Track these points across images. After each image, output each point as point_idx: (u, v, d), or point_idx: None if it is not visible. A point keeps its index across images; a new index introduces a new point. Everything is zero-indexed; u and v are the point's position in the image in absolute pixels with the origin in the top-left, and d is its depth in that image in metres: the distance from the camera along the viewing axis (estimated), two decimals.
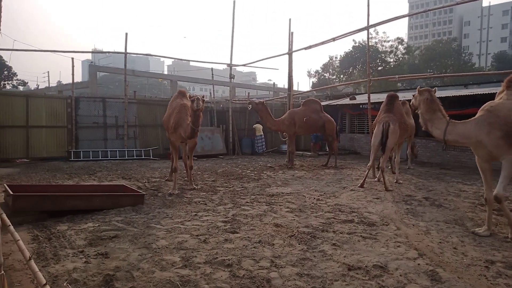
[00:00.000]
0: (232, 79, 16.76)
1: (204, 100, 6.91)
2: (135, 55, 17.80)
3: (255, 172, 10.07)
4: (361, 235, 4.52)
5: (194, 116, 6.89)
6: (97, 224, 4.82)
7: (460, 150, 12.07)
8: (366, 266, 3.54)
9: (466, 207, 6.14)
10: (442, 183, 8.47)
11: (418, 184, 8.29)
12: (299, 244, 4.17)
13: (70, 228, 4.67)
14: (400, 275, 3.34)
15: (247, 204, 6.21)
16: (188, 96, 7.22)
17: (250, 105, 11.16)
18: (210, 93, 18.51)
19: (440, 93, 13.35)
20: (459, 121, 4.70)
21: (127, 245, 4.05)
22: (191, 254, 3.79)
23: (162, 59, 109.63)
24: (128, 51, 14.40)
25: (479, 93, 10.87)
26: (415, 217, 5.49)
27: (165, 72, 67.24)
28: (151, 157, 13.58)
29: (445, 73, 43.28)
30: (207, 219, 5.19)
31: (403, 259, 3.76)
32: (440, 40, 56.49)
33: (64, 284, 3.05)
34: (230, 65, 15.92)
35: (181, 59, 22.11)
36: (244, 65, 18.28)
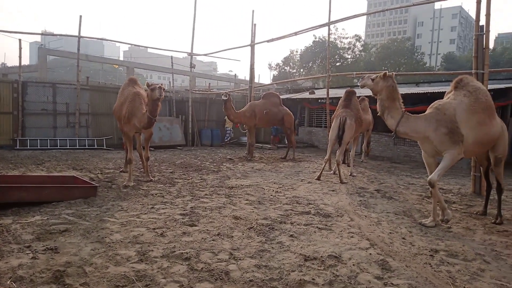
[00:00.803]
0: (193, 69, 16.45)
1: (164, 89, 6.70)
2: (88, 39, 16.85)
3: (215, 164, 10.01)
4: (317, 226, 4.65)
5: (153, 105, 6.62)
6: (46, 218, 4.55)
7: (409, 145, 12.76)
8: (321, 256, 3.65)
9: (414, 199, 6.53)
10: (392, 176, 8.92)
11: (371, 177, 8.67)
12: (257, 236, 4.21)
13: (15, 221, 4.37)
14: (353, 265, 3.49)
15: (206, 196, 6.17)
16: (146, 84, 6.84)
17: (225, 97, 11.01)
18: (169, 82, 18.03)
19: None
20: (412, 115, 4.87)
21: (79, 240, 3.87)
22: (147, 248, 3.70)
23: (117, 44, 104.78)
24: (81, 34, 13.61)
25: (429, 91, 11.53)
26: (367, 208, 5.74)
27: (121, 58, 64.53)
28: (105, 147, 13.03)
29: (399, 71, 45.41)
30: (165, 212, 5.08)
31: (356, 249, 3.92)
32: (395, 39, 58.94)
33: (8, 282, 2.86)
34: (191, 54, 15.59)
35: (138, 45, 21.32)
36: (205, 54, 17.96)
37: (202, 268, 3.27)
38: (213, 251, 3.68)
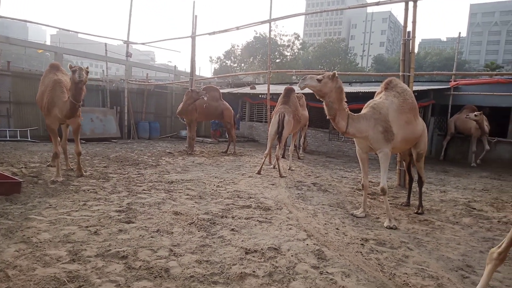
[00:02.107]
0: (129, 58, 15.68)
1: (88, 72, 6.08)
2: (10, 19, 15.21)
3: (153, 158, 9.69)
4: (257, 220, 4.74)
5: (75, 89, 5.97)
6: None
7: (343, 140, 13.51)
8: (261, 249, 3.74)
9: (346, 191, 6.94)
10: (327, 170, 9.39)
11: (308, 171, 9.04)
12: (198, 231, 4.18)
13: None
14: (292, 256, 3.62)
15: (144, 192, 5.95)
16: (69, 67, 6.14)
17: (204, 96, 10.72)
18: (103, 70, 16.99)
19: None
20: (355, 114, 4.94)
21: (0, 240, 3.51)
22: (80, 247, 3.48)
23: (43, 27, 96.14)
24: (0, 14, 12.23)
25: (362, 91, 12.30)
26: (304, 201, 5.99)
27: (48, 43, 59.29)
28: (29, 139, 11.93)
29: (334, 70, 47.69)
30: (98, 209, 4.81)
31: (294, 240, 4.08)
32: (331, 39, 61.75)
33: None
34: (127, 42, 14.83)
35: (67, 30, 19.68)
36: (143, 43, 17.31)
37: (140, 266, 3.16)
38: (152, 248, 3.57)
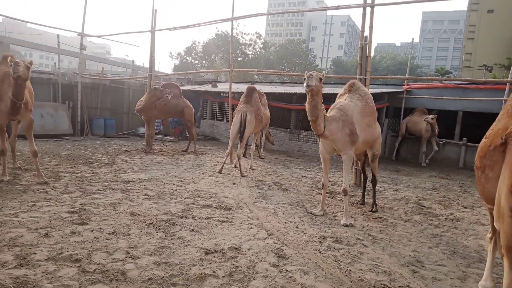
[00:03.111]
0: (83, 50, 14.93)
1: (29, 66, 5.63)
2: None
3: (108, 157, 9.31)
4: (218, 219, 4.71)
5: (15, 86, 5.55)
6: None
7: (302, 140, 13.79)
8: (222, 249, 3.72)
9: (306, 190, 7.09)
10: (288, 169, 9.53)
11: (269, 170, 9.12)
12: (157, 232, 4.08)
13: None
14: (252, 255, 3.64)
15: (99, 191, 5.71)
16: (9, 60, 5.65)
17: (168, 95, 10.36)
18: (55, 63, 16.05)
19: (290, 89, 14.92)
20: (328, 116, 4.92)
21: None
22: (28, 251, 3.27)
23: None
24: None
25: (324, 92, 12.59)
26: (265, 200, 6.04)
27: None
28: None
29: (294, 71, 48.53)
30: (49, 210, 4.55)
31: (254, 239, 4.10)
32: (292, 40, 62.69)
33: None
34: (81, 35, 14.12)
35: (15, 18, 18.42)
36: (99, 36, 16.55)
37: (95, 270, 3.03)
38: (107, 251, 3.44)
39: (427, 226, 5.24)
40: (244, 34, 50.29)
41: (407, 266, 3.70)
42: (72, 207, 4.73)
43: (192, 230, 4.24)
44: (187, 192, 6.15)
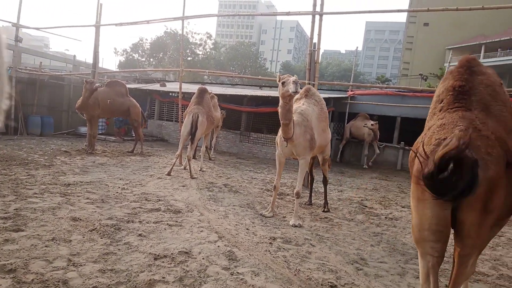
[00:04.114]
0: (19, 43, 13.79)
1: None
2: None
3: (46, 157, 8.67)
4: (167, 223, 4.60)
5: None
6: None
7: (252, 142, 13.91)
8: (172, 253, 3.64)
9: (256, 192, 7.16)
10: (238, 171, 9.56)
11: (219, 172, 9.08)
12: (101, 238, 3.88)
13: None
14: (203, 258, 3.60)
15: (36, 195, 5.29)
16: None
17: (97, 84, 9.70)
18: None
19: (241, 91, 14.99)
20: (294, 120, 4.98)
21: None
22: None
23: None
24: None
25: (271, 95, 12.83)
26: (216, 202, 6.00)
27: None
28: None
29: (245, 73, 48.84)
30: None
31: (205, 243, 4.06)
32: (242, 42, 63.09)
33: None
34: (17, 25, 13.02)
35: None
36: (38, 28, 15.27)
37: (33, 280, 2.81)
38: (47, 259, 3.20)
39: (369, 225, 5.55)
40: (195, 33, 49.71)
41: (352, 264, 3.89)
42: (6, 213, 4.34)
43: (140, 235, 4.09)
44: (134, 195, 5.92)
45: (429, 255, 2.32)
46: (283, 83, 4.66)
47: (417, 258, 4.19)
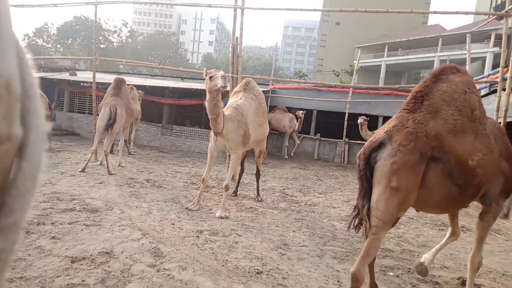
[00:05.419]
0: None
1: None
2: None
3: None
4: (84, 223, 4.29)
5: None
6: None
7: (176, 135, 13.58)
8: (91, 255, 3.42)
9: (181, 186, 7.04)
10: (161, 165, 9.27)
11: (140, 167, 8.71)
12: None
13: None
14: (126, 258, 3.45)
15: None
16: None
17: None
18: None
19: (162, 83, 14.48)
20: (226, 115, 4.94)
21: None
22: None
23: None
24: None
25: (194, 87, 12.63)
26: (138, 199, 5.76)
27: None
28: None
29: (165, 64, 47.20)
30: None
31: (128, 241, 3.89)
32: (161, 31, 60.72)
33: None
34: None
35: None
36: None
37: None
38: None
39: (291, 212, 5.85)
40: (108, 19, 46.40)
41: (276, 250, 4.07)
42: None
43: (53, 237, 3.76)
44: (43, 195, 5.39)
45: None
46: (210, 77, 4.65)
47: (334, 240, 4.56)
